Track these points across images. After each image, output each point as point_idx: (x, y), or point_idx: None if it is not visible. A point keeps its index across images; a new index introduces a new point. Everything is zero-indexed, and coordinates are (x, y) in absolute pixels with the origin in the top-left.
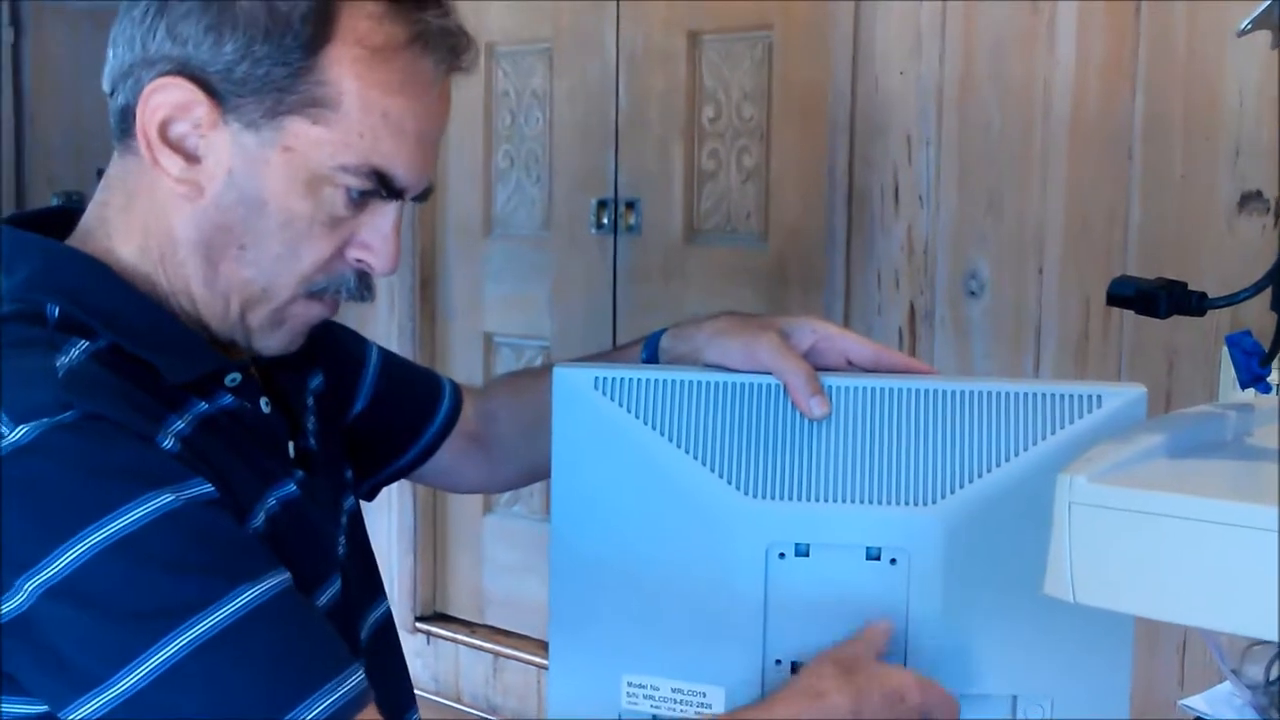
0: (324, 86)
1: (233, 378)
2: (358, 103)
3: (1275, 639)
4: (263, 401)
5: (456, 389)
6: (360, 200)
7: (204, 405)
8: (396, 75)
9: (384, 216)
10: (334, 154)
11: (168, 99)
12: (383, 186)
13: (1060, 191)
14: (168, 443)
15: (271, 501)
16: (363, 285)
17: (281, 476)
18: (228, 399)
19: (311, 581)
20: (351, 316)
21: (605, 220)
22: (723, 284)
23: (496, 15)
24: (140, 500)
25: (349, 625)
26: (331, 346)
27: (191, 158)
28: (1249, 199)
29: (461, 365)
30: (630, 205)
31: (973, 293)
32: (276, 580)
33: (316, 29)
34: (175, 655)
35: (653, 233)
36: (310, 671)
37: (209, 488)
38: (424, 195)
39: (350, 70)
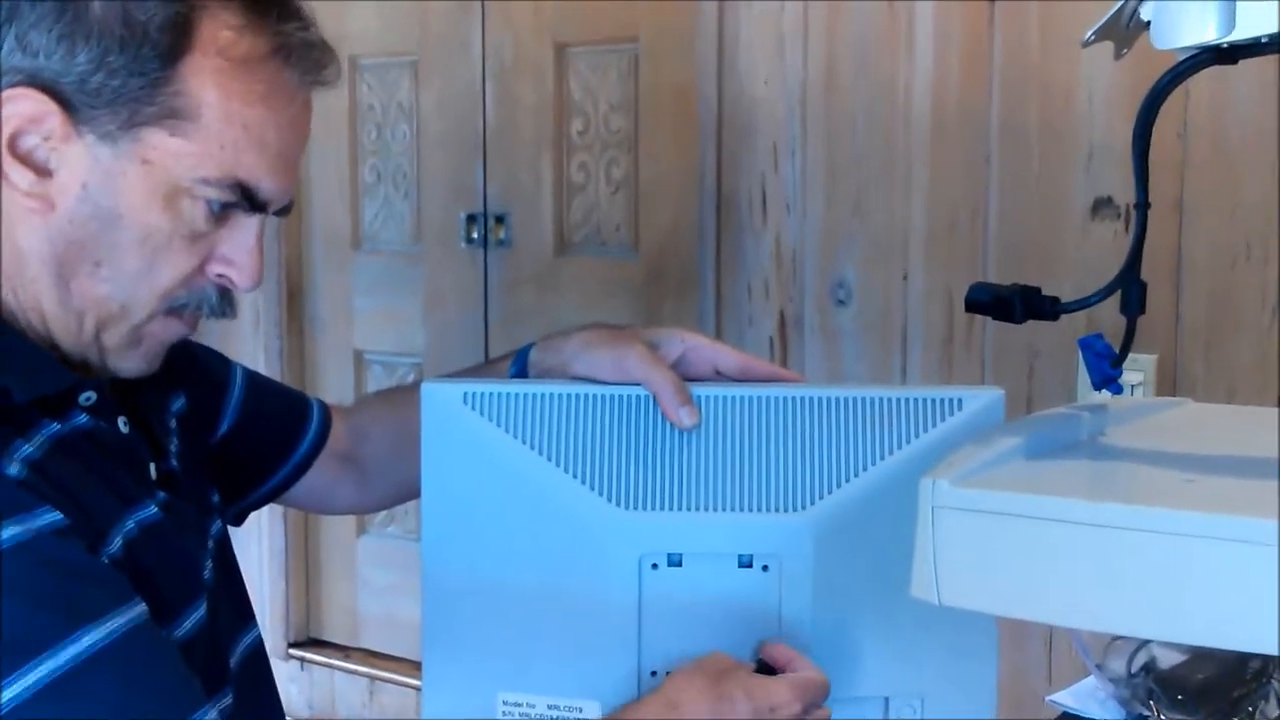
0: (183, 98)
1: (87, 396)
2: (219, 114)
3: (1133, 634)
4: (120, 421)
5: (325, 409)
6: (221, 214)
7: (56, 426)
8: (259, 87)
9: (245, 231)
10: (194, 166)
11: (18, 110)
12: (245, 199)
13: (923, 196)
14: (13, 469)
15: (130, 525)
16: (224, 302)
17: (142, 498)
18: (82, 418)
19: (174, 606)
20: (215, 333)
21: (475, 234)
22: (595, 296)
23: (360, 27)
24: None
25: (217, 652)
26: (194, 368)
27: (42, 171)
28: (1101, 205)
29: (332, 383)
30: (500, 219)
31: (840, 300)
32: (126, 618)
33: (175, 39)
34: (17, 697)
35: (523, 246)
36: (156, 715)
37: (58, 516)
38: (285, 209)
39: (210, 81)
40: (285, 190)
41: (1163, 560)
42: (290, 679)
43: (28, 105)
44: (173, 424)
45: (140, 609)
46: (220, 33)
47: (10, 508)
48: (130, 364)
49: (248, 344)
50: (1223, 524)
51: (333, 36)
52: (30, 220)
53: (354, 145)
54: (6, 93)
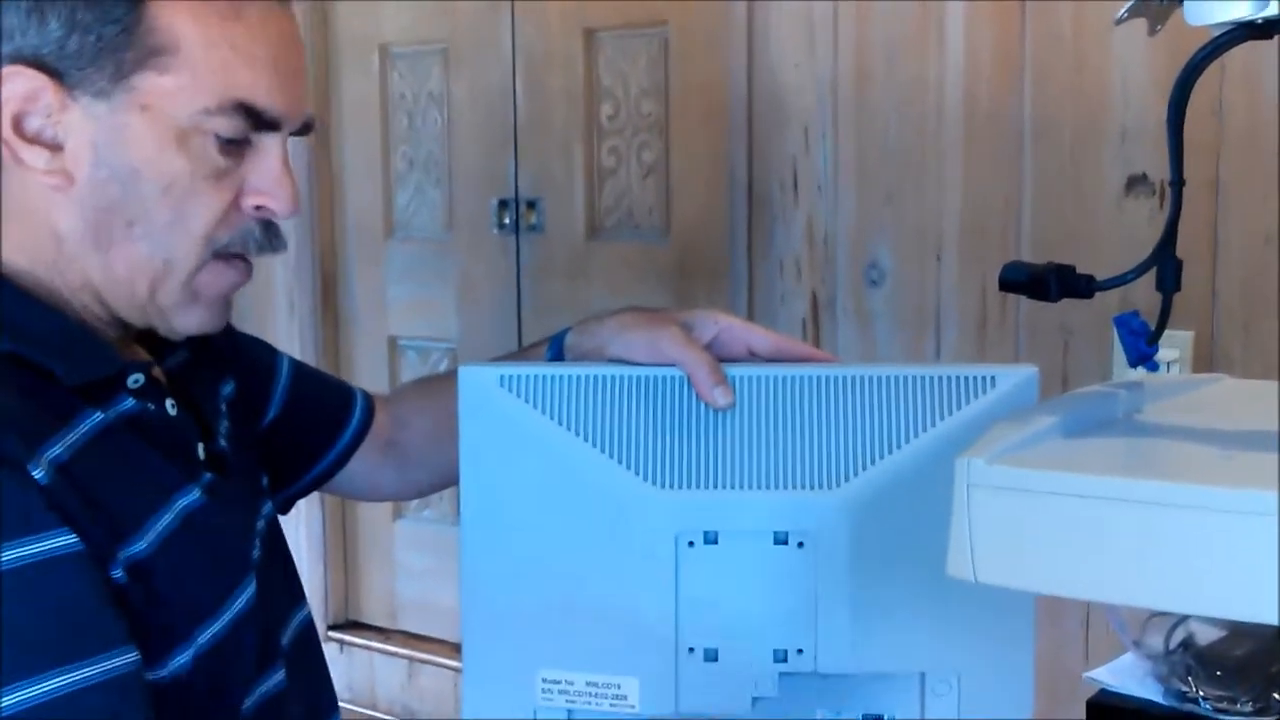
0: (159, 34)
1: (135, 379)
2: (199, 41)
3: (1171, 609)
4: (168, 404)
5: (368, 398)
6: (236, 147)
7: (99, 415)
8: (228, 4)
9: (269, 156)
10: (192, 99)
11: (13, 91)
12: (252, 119)
13: (956, 180)
14: (39, 471)
15: (168, 518)
16: (269, 234)
17: (185, 484)
18: (129, 403)
19: (221, 588)
20: (252, 320)
21: (507, 220)
22: (627, 280)
23: (391, 17)
24: None
25: (268, 630)
26: (242, 355)
27: (53, 147)
28: (1135, 182)
29: (366, 369)
30: (531, 204)
31: (873, 281)
32: (104, 666)
33: None
34: None
35: (555, 231)
36: None
37: (69, 539)
38: (305, 129)
39: (182, 12)
40: (291, 102)
41: (1199, 536)
42: (330, 661)
43: (21, 83)
44: (223, 408)
45: (122, 659)
46: None
47: (19, 527)
48: (193, 319)
49: (283, 332)
50: (1261, 499)
51: (363, 25)
52: (57, 199)
53: (385, 134)
54: None
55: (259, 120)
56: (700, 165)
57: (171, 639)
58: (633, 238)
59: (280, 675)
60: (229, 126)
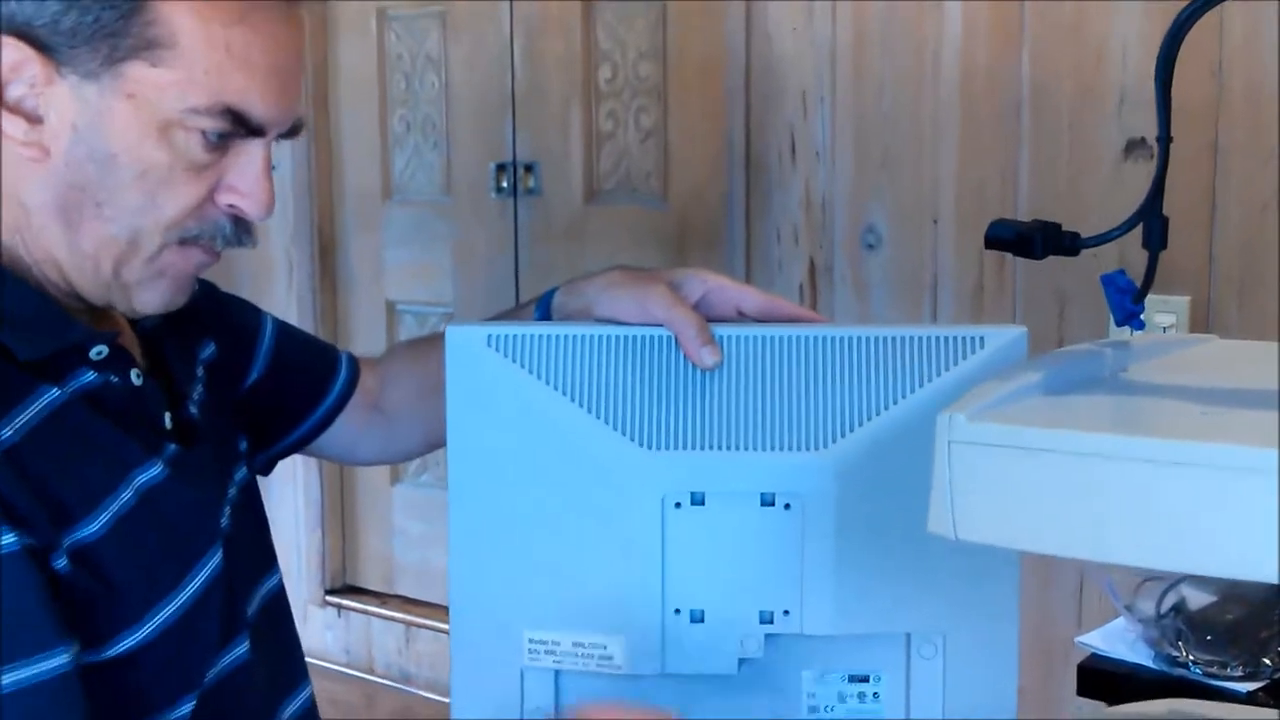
0: (158, 26)
1: (98, 350)
2: (197, 39)
3: (1150, 566)
4: (133, 373)
5: (353, 360)
6: (220, 143)
7: (55, 392)
8: (234, 6)
9: (250, 157)
10: (181, 96)
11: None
12: (239, 125)
13: (953, 145)
14: None
15: (125, 496)
16: (240, 230)
17: (147, 458)
18: (89, 376)
19: (184, 562)
20: (248, 286)
21: (505, 184)
22: (624, 244)
23: None
24: None
25: (233, 597)
26: (225, 316)
27: (33, 118)
28: (1134, 146)
29: (364, 334)
30: (529, 168)
31: (870, 246)
32: (32, 670)
33: None
34: None
35: (553, 195)
36: None
37: (7, 539)
38: (292, 131)
39: (184, 6)
40: (282, 111)
41: (1175, 491)
42: (327, 626)
43: (9, 53)
44: (200, 371)
45: (55, 661)
46: None
47: None
48: (156, 298)
49: (281, 296)
50: (1237, 455)
51: None
52: (30, 170)
53: (383, 96)
54: None
55: (246, 125)
56: (698, 130)
57: (124, 620)
58: (631, 202)
59: (244, 647)
60: (214, 126)
